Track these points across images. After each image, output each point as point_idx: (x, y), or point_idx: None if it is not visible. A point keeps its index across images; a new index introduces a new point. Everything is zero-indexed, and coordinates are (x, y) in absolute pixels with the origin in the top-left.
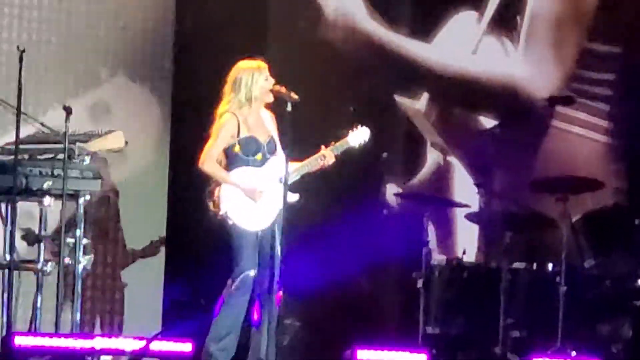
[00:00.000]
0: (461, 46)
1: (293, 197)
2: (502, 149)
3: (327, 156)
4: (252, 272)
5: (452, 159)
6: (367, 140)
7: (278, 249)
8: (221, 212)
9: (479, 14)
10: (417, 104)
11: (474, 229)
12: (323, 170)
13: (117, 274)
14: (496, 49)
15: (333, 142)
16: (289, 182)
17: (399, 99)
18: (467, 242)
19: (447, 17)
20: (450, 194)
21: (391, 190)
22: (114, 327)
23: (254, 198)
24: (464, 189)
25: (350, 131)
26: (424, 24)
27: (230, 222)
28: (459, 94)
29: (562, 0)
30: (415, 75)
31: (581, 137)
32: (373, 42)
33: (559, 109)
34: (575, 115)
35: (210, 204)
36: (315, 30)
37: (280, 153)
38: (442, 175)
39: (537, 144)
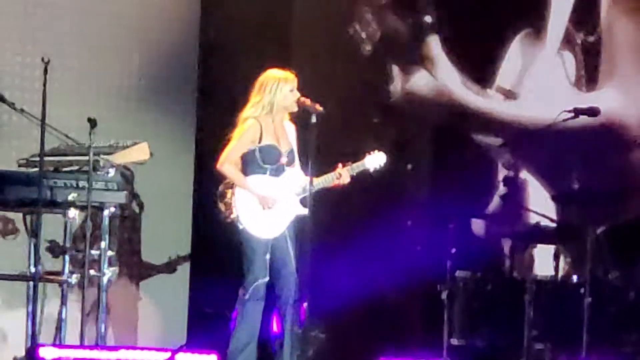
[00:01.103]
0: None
1: (303, 211)
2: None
3: (343, 175)
4: (263, 281)
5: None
6: (382, 165)
7: (292, 259)
8: (232, 216)
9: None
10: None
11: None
12: (353, 179)
13: (134, 286)
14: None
15: (350, 162)
16: (303, 195)
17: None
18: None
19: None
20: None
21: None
22: (126, 339)
23: (266, 206)
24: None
25: (367, 154)
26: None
27: (240, 227)
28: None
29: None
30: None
31: None
32: None
33: None
34: None
35: (222, 206)
36: (340, 43)
37: (297, 165)
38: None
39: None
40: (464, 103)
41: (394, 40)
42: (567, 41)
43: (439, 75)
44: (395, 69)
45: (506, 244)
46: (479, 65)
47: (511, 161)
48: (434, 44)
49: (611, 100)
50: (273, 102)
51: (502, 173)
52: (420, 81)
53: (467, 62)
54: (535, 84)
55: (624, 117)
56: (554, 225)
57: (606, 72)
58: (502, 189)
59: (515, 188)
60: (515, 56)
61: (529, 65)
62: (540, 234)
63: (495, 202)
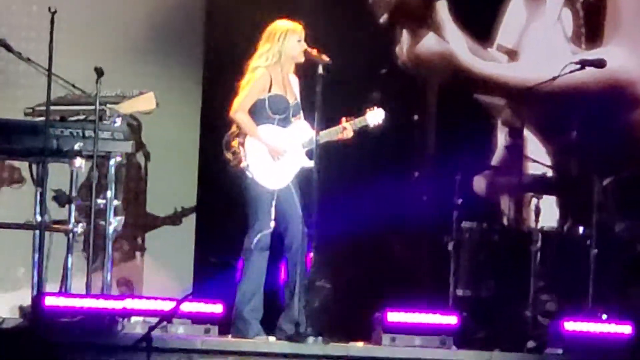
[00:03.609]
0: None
1: (309, 164)
2: None
3: (347, 129)
4: (268, 231)
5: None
6: (381, 122)
7: (300, 210)
8: (242, 165)
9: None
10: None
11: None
12: (355, 133)
13: (138, 237)
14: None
15: (353, 117)
16: (308, 148)
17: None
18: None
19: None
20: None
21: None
22: (129, 290)
23: (276, 156)
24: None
25: (368, 110)
26: None
27: (249, 176)
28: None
29: None
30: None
31: None
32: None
33: None
34: None
35: (229, 155)
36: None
37: (302, 117)
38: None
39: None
40: (468, 67)
41: (404, 4)
42: None
43: (447, 39)
44: (404, 33)
45: (512, 195)
46: (481, 24)
47: (511, 118)
48: (443, 8)
49: (615, 58)
50: (281, 52)
51: (501, 130)
52: (429, 43)
53: (470, 22)
54: (536, 43)
55: (628, 74)
56: (560, 176)
57: (610, 29)
58: (508, 139)
59: (521, 139)
60: (515, 14)
61: (529, 24)
62: (546, 185)
63: (498, 156)
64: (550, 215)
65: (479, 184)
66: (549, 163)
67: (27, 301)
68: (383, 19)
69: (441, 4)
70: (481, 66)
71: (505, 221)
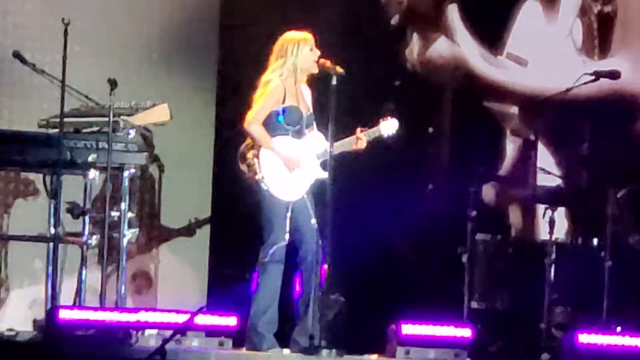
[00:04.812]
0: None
1: (323, 175)
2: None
3: (361, 139)
4: (283, 243)
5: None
6: (395, 132)
7: (314, 222)
8: (257, 177)
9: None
10: (510, 109)
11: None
12: (369, 144)
13: (152, 249)
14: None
15: (367, 128)
16: (323, 159)
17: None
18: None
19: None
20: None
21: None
22: (145, 302)
23: (291, 168)
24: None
25: (381, 120)
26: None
27: (264, 188)
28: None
29: None
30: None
31: None
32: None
33: None
34: None
35: (244, 167)
36: (362, 3)
37: (315, 128)
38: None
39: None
40: (479, 72)
41: (415, 7)
42: (582, 9)
43: (458, 42)
44: (415, 36)
45: (527, 207)
46: (491, 31)
47: (520, 128)
48: (453, 12)
49: (622, 70)
50: (296, 64)
51: (509, 139)
52: (440, 47)
53: (481, 29)
54: (546, 52)
55: (633, 86)
56: (571, 187)
57: (618, 41)
58: (521, 150)
59: (535, 150)
60: (526, 22)
61: (540, 32)
62: (557, 197)
63: (506, 166)
64: (560, 226)
65: (487, 192)
66: (558, 174)
67: (41, 315)
68: (394, 20)
69: (452, 7)
70: (492, 72)
71: (513, 231)
